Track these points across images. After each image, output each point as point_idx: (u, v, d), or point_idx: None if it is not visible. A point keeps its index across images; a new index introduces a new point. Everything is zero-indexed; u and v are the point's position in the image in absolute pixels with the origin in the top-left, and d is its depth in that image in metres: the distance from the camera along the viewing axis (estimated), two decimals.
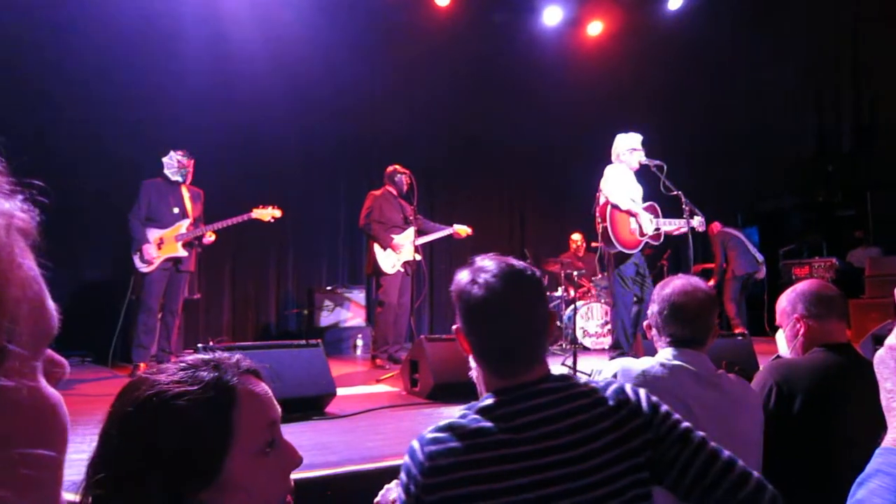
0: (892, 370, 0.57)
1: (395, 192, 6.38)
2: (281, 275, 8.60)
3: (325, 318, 8.05)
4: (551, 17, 9.71)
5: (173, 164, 5.77)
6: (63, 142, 6.78)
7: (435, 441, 1.22)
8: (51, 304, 0.48)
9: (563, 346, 7.94)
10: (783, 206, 11.79)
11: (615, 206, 5.37)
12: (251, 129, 7.93)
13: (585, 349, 7.64)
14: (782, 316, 2.31)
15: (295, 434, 3.25)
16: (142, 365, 5.34)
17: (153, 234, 5.62)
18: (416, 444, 1.24)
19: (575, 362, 5.12)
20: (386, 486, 1.46)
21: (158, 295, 5.63)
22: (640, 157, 5.52)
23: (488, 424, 1.23)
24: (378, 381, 5.19)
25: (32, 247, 0.46)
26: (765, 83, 11.11)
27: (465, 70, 9.36)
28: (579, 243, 9.04)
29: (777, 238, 11.18)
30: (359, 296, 8.33)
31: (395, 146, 8.62)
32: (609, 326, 7.61)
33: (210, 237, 5.88)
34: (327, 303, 8.10)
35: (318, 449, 2.82)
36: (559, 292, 8.22)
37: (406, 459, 1.24)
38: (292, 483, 0.95)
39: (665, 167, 5.36)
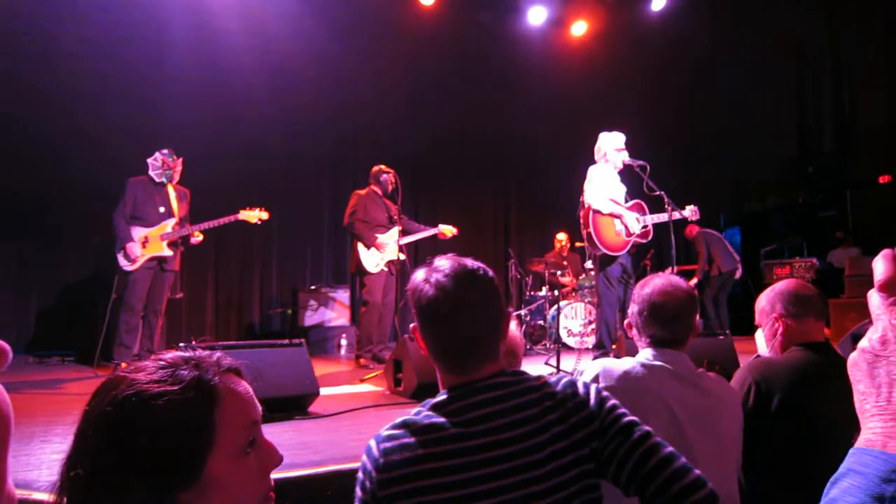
0: (865, 373, 0.58)
1: (379, 192, 6.38)
2: (265, 274, 8.56)
3: (310, 318, 8.03)
4: (536, 16, 9.74)
5: (158, 164, 5.73)
6: (48, 141, 6.73)
7: (389, 438, 1.25)
8: None
9: (547, 345, 7.97)
10: (765, 206, 11.91)
11: (597, 211, 5.41)
12: (236, 128, 7.89)
13: (569, 348, 7.67)
14: (761, 315, 2.34)
15: (277, 433, 3.25)
16: (123, 365, 5.27)
17: (138, 232, 5.58)
18: (372, 442, 1.27)
19: (558, 361, 5.15)
20: None
21: (142, 294, 5.59)
22: (624, 156, 5.56)
23: (440, 420, 1.25)
24: (362, 381, 5.18)
25: None
26: (746, 84, 11.21)
27: (450, 70, 9.37)
28: (564, 243, 9.08)
29: (759, 238, 11.30)
30: (343, 295, 8.31)
31: (379, 146, 8.63)
32: (593, 326, 7.65)
33: (197, 237, 5.85)
34: (311, 302, 8.07)
35: (300, 448, 2.81)
36: (543, 292, 8.25)
37: (363, 457, 1.27)
38: (272, 482, 0.94)
39: (648, 167, 5.40)
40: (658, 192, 5.36)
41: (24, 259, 6.92)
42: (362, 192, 6.34)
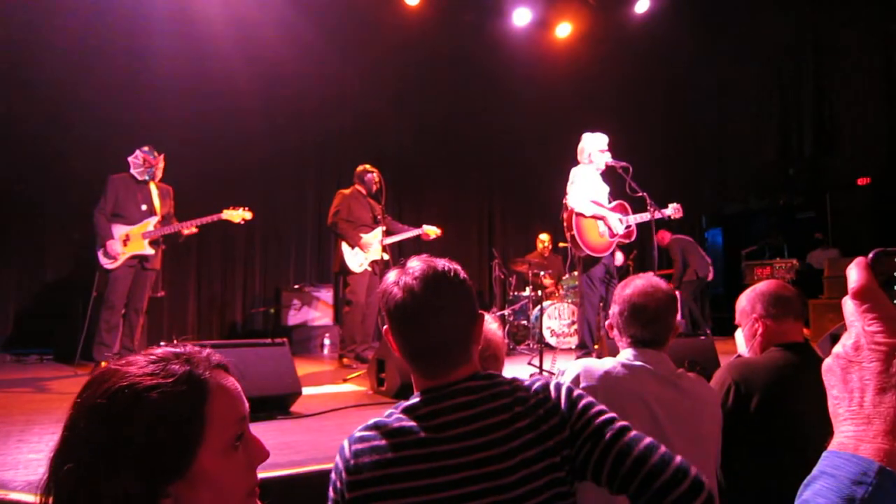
0: (839, 378, 0.59)
1: (363, 192, 6.37)
2: (248, 273, 8.51)
3: (293, 317, 7.99)
4: (520, 18, 9.76)
5: (139, 162, 5.68)
6: (28, 137, 6.65)
7: (361, 440, 1.25)
8: None
9: (531, 345, 8.00)
10: (746, 208, 12.02)
11: (580, 213, 5.44)
12: (220, 126, 7.84)
13: (552, 349, 7.69)
14: (741, 315, 2.36)
15: (259, 433, 3.20)
16: (103, 364, 5.24)
17: (119, 230, 5.53)
18: (345, 443, 1.27)
19: (541, 362, 5.16)
20: None
21: (123, 293, 5.54)
22: (607, 157, 5.59)
23: (410, 424, 1.25)
24: (345, 381, 5.17)
25: None
26: (728, 87, 11.33)
27: (435, 71, 9.38)
28: (546, 244, 9.10)
29: (740, 240, 11.41)
30: (326, 295, 8.28)
31: (364, 145, 8.61)
32: (576, 326, 7.69)
33: (191, 230, 5.77)
34: (295, 302, 8.04)
35: (282, 448, 2.80)
36: (527, 292, 8.28)
37: (336, 457, 1.27)
38: (258, 477, 0.95)
39: (631, 169, 5.43)
40: (640, 193, 5.39)
41: (3, 256, 6.84)
42: (346, 191, 6.33)
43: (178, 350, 0.91)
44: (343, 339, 6.28)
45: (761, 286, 2.33)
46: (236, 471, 0.90)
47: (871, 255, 0.61)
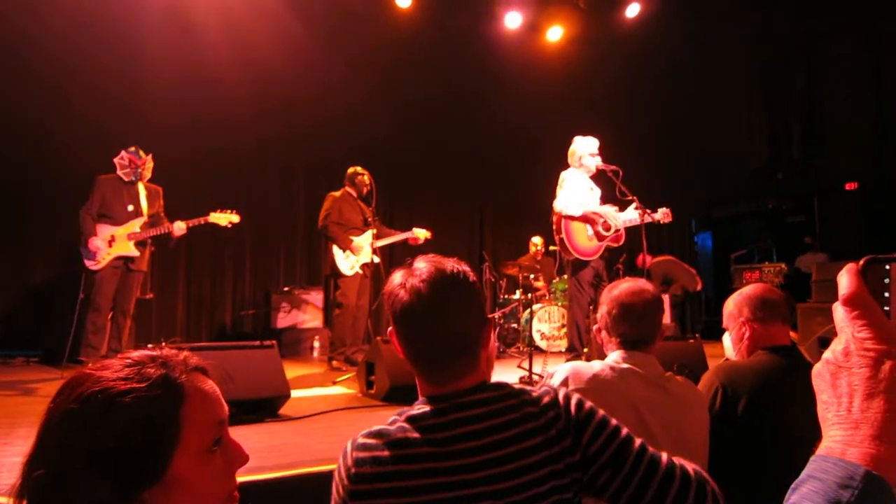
0: (828, 383, 0.60)
1: (354, 194, 6.36)
2: (237, 275, 8.48)
3: (282, 320, 7.96)
4: (512, 21, 9.78)
5: (125, 163, 5.64)
6: (15, 137, 6.60)
7: (363, 447, 1.21)
8: None
9: (521, 348, 8.00)
10: (735, 212, 12.10)
11: (569, 217, 5.45)
12: (210, 127, 7.79)
13: (542, 351, 7.70)
14: (729, 319, 2.37)
15: (247, 436, 3.22)
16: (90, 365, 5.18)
17: (105, 230, 5.49)
18: (348, 447, 1.24)
19: (530, 365, 5.17)
20: None
21: (109, 294, 5.50)
22: (597, 161, 5.61)
23: (415, 436, 1.21)
24: (334, 383, 5.15)
25: None
26: (718, 91, 11.40)
27: (427, 73, 9.37)
28: (539, 247, 9.12)
29: (729, 243, 11.48)
30: (316, 297, 8.26)
31: (355, 148, 8.58)
32: (566, 329, 7.71)
33: (182, 228, 5.71)
34: (284, 304, 8.01)
35: (270, 451, 2.79)
36: (517, 295, 8.29)
37: (339, 459, 1.24)
38: (237, 482, 0.94)
39: (621, 172, 5.45)
40: (630, 197, 5.41)
41: None
42: (337, 193, 6.32)
43: (154, 353, 0.90)
44: (333, 342, 6.27)
45: (748, 290, 2.34)
46: (213, 475, 0.88)
47: (861, 262, 0.61)
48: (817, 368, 0.62)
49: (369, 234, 6.15)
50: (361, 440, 1.23)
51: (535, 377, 5.04)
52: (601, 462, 1.22)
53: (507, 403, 1.26)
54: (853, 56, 10.19)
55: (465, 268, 1.35)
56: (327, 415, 3.83)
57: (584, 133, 5.78)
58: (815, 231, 10.45)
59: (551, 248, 8.07)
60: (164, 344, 5.55)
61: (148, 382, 0.84)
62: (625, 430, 1.27)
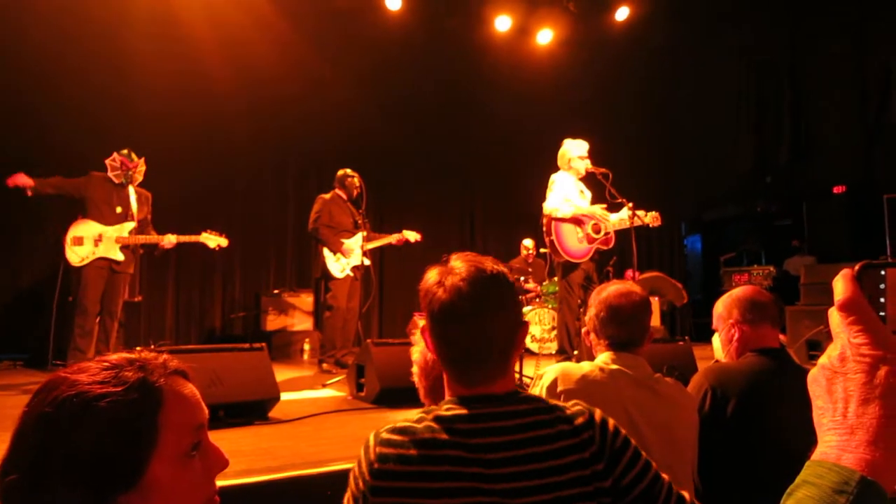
0: (824, 388, 0.60)
1: (344, 197, 6.34)
2: (227, 278, 8.44)
3: (272, 322, 7.93)
4: (502, 24, 9.80)
5: (116, 165, 5.60)
6: (1, 137, 6.54)
7: (388, 443, 1.18)
8: None
9: None
10: (724, 215, 12.16)
11: (559, 219, 5.46)
12: (200, 130, 7.77)
13: (533, 354, 7.71)
14: (718, 320, 2.38)
15: (236, 439, 3.20)
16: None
17: (93, 227, 5.44)
18: (371, 440, 1.21)
19: (521, 367, 5.16)
20: None
21: (95, 296, 5.44)
22: (587, 164, 5.62)
23: (444, 437, 1.19)
24: (324, 386, 5.13)
25: None
26: (707, 95, 11.46)
27: (417, 75, 9.38)
28: (530, 250, 9.13)
29: (719, 246, 11.54)
30: (306, 300, 8.23)
31: (345, 150, 8.57)
32: (556, 331, 7.71)
33: (171, 241, 5.69)
34: (274, 307, 7.98)
35: (259, 454, 2.77)
36: None
37: (361, 451, 1.21)
38: (216, 486, 0.93)
39: (610, 175, 5.46)
40: (620, 200, 5.43)
41: None
42: (327, 196, 6.30)
43: (132, 356, 0.89)
44: (323, 345, 6.25)
45: (737, 292, 2.35)
46: (192, 480, 0.88)
47: (857, 268, 0.61)
48: (813, 374, 0.62)
49: (359, 236, 6.14)
50: (386, 435, 1.20)
51: (525, 380, 5.04)
52: (634, 494, 1.21)
53: (540, 418, 1.24)
54: (840, 60, 10.27)
55: (504, 268, 1.34)
56: (317, 417, 3.81)
57: (574, 136, 5.80)
58: (803, 234, 10.52)
59: (542, 250, 8.08)
60: (152, 346, 5.53)
61: (125, 386, 0.83)
62: (654, 464, 1.27)
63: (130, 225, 5.60)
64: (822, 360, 0.61)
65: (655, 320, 8.05)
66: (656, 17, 9.89)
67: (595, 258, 5.66)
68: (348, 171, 6.36)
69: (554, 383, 1.87)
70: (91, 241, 5.41)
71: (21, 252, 6.93)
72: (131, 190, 5.68)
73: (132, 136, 6.10)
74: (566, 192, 5.55)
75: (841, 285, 0.60)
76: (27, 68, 6.66)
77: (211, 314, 8.31)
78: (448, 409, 1.24)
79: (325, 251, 6.07)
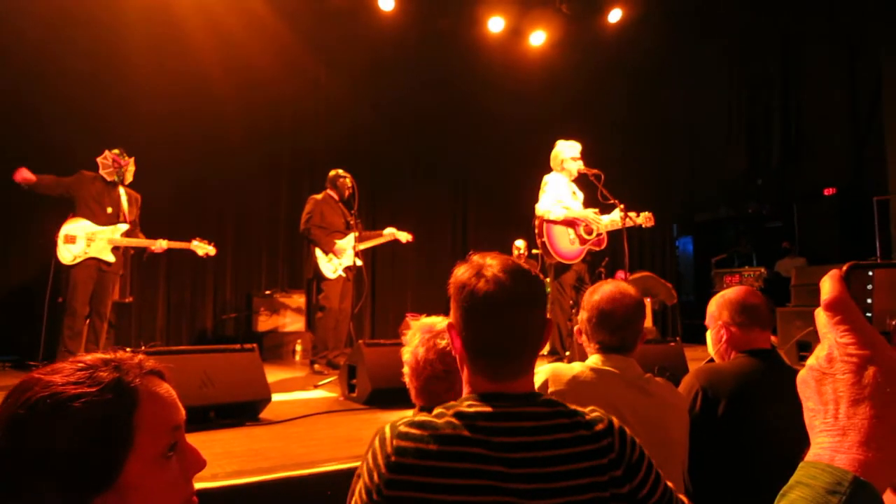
0: (814, 390, 0.60)
1: (336, 197, 6.33)
2: (218, 278, 8.40)
3: (264, 323, 7.91)
4: (495, 25, 9.81)
5: (108, 163, 5.57)
6: None
7: (407, 436, 1.17)
8: None
9: None
10: (716, 217, 12.22)
11: (551, 220, 5.48)
12: (192, 131, 7.73)
13: None
14: (710, 318, 2.39)
15: (228, 440, 3.19)
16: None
17: (86, 227, 5.41)
18: (387, 432, 1.20)
19: None
20: None
21: (84, 297, 5.41)
22: (579, 165, 5.64)
23: (466, 434, 1.18)
24: (315, 387, 5.12)
25: None
26: (699, 98, 11.50)
27: (409, 76, 9.37)
28: (521, 251, 9.13)
29: (710, 248, 11.58)
30: (298, 301, 8.21)
31: (337, 150, 8.56)
32: None
33: (162, 246, 5.69)
34: (266, 308, 7.96)
35: (250, 455, 2.76)
36: None
37: (375, 444, 1.20)
38: (194, 487, 0.93)
39: (602, 176, 5.48)
40: (612, 201, 5.45)
41: None
42: (318, 196, 6.29)
43: (107, 357, 0.88)
44: (315, 345, 6.23)
45: (730, 293, 2.35)
46: (169, 481, 0.87)
47: (844, 268, 0.61)
48: (802, 376, 0.62)
49: (351, 237, 6.13)
50: (404, 429, 1.19)
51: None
52: None
53: (560, 421, 1.25)
54: (831, 63, 10.33)
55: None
56: (308, 418, 3.80)
57: (567, 137, 5.81)
58: (793, 236, 10.57)
59: (534, 251, 8.10)
60: (142, 347, 5.50)
61: (99, 386, 0.82)
62: (661, 472, 1.29)
63: (123, 227, 5.58)
64: (811, 361, 0.61)
65: (647, 321, 8.06)
66: (648, 20, 9.92)
67: (587, 259, 5.68)
68: (340, 171, 6.36)
69: (545, 384, 1.87)
70: (84, 240, 5.39)
71: (10, 253, 6.88)
72: (122, 191, 5.66)
73: (126, 134, 6.07)
74: (559, 194, 5.56)
75: (827, 285, 0.60)
76: (21, 67, 6.62)
77: (202, 315, 8.27)
78: (470, 405, 1.24)
79: (318, 252, 6.06)
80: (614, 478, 1.21)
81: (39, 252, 6.44)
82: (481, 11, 9.62)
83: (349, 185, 6.23)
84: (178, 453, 0.90)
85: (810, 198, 10.47)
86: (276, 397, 3.97)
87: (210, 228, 6.00)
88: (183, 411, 0.93)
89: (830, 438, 0.57)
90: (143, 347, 5.83)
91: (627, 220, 5.45)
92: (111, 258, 5.50)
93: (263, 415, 3.78)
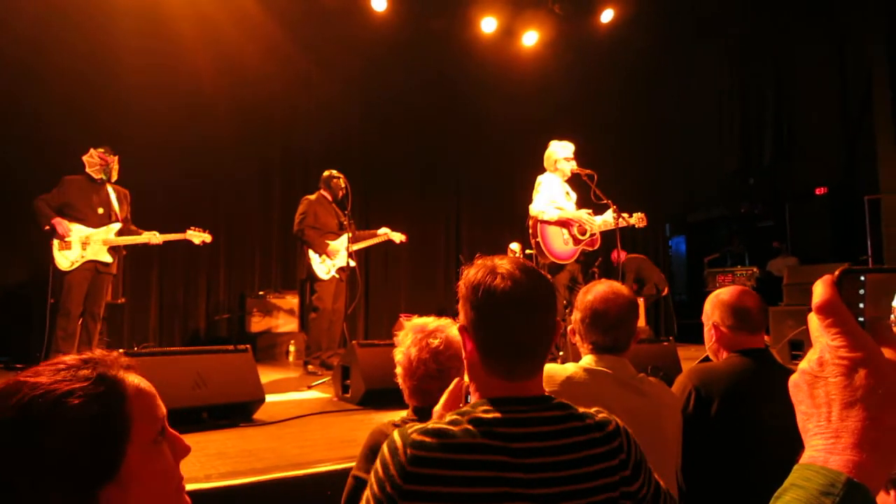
0: (806, 393, 0.60)
1: (329, 197, 6.33)
2: (211, 279, 8.38)
3: (257, 324, 7.90)
4: (487, 26, 9.82)
5: (95, 161, 5.54)
6: None
7: (422, 445, 1.15)
8: None
9: None
10: (708, 217, 12.26)
11: (545, 221, 5.49)
12: (183, 129, 7.70)
13: None
14: (705, 316, 2.41)
15: (221, 441, 3.18)
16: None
17: (79, 230, 5.39)
18: (397, 440, 1.17)
19: None
20: None
21: (79, 299, 5.39)
22: (572, 165, 5.65)
23: (486, 441, 1.17)
24: (309, 388, 5.11)
25: None
26: (691, 98, 11.54)
27: (403, 76, 9.37)
28: (517, 253, 9.13)
29: (703, 247, 11.62)
30: (292, 301, 8.20)
31: (330, 150, 8.56)
32: None
33: (157, 240, 5.68)
34: (259, 308, 7.94)
35: (244, 456, 2.76)
36: None
37: (384, 453, 1.17)
38: (182, 474, 0.95)
39: (596, 176, 5.49)
40: (605, 201, 5.46)
41: None
42: (312, 197, 6.28)
43: (84, 357, 0.88)
44: (309, 346, 6.23)
45: (724, 294, 2.35)
46: (164, 467, 0.89)
47: (837, 273, 0.61)
48: (794, 380, 0.62)
49: (345, 237, 6.12)
50: (418, 437, 1.16)
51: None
52: (648, 501, 1.28)
53: (574, 424, 1.25)
54: (823, 63, 10.38)
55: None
56: (302, 419, 3.80)
57: (560, 137, 5.82)
58: (785, 235, 10.62)
59: (528, 252, 8.10)
60: (135, 348, 5.48)
61: (89, 381, 0.83)
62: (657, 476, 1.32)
63: (117, 226, 5.56)
64: (803, 364, 0.62)
65: (640, 321, 8.08)
66: (641, 20, 9.94)
67: (580, 259, 5.69)
68: (334, 172, 6.35)
69: None
70: (79, 245, 5.37)
71: (5, 253, 6.84)
72: (110, 189, 5.63)
73: (117, 133, 6.05)
74: (552, 194, 5.57)
75: (819, 289, 0.60)
76: (12, 65, 6.58)
77: (195, 316, 8.24)
78: (486, 411, 1.22)
79: (311, 252, 6.05)
80: (624, 478, 1.23)
81: (37, 255, 6.42)
82: (474, 12, 9.62)
83: (343, 185, 6.23)
84: (167, 440, 0.92)
85: (802, 197, 10.52)
86: (269, 398, 3.97)
87: (201, 228, 5.98)
88: (162, 404, 0.95)
89: (824, 441, 0.57)
90: (136, 348, 5.82)
91: (620, 220, 5.47)
92: (108, 258, 5.49)
93: (257, 416, 3.78)
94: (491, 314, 1.28)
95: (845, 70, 10.11)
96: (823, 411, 0.58)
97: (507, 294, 1.26)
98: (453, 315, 1.54)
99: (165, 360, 3.52)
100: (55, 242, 5.33)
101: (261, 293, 8.14)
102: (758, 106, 11.44)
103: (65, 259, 5.33)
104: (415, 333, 1.91)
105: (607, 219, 5.54)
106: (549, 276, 5.34)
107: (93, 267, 5.45)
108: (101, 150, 5.59)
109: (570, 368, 1.95)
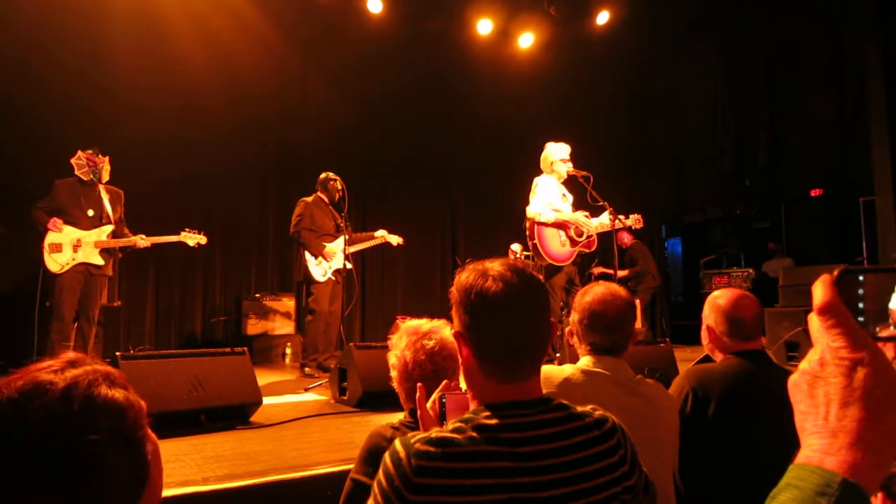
0: (805, 393, 0.61)
1: (326, 199, 6.32)
2: (208, 282, 8.36)
3: (254, 327, 7.88)
4: (483, 27, 9.83)
5: (83, 162, 5.51)
6: None
7: (427, 455, 1.13)
8: None
9: None
10: (704, 218, 12.28)
11: (542, 223, 5.50)
12: (179, 131, 7.68)
13: None
14: (703, 316, 2.41)
15: (218, 443, 3.18)
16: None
17: (70, 233, 5.36)
18: (400, 451, 1.15)
19: None
20: None
21: (72, 302, 5.36)
22: (568, 167, 5.66)
23: (492, 448, 1.16)
24: (306, 390, 5.11)
25: None
26: (687, 100, 11.57)
27: (398, 78, 9.37)
28: (518, 254, 9.14)
29: (699, 249, 11.64)
30: (288, 304, 8.19)
31: (326, 152, 8.54)
32: None
33: (145, 242, 5.66)
34: (255, 311, 7.93)
35: (241, 459, 2.75)
36: None
37: (387, 463, 1.15)
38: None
39: (592, 178, 5.51)
40: (601, 203, 5.48)
41: None
42: (309, 199, 6.28)
43: (67, 358, 0.84)
44: (305, 349, 6.22)
45: (722, 299, 2.33)
46: (155, 451, 0.87)
47: (836, 273, 0.61)
48: (794, 380, 0.63)
49: (341, 239, 6.12)
50: (421, 447, 1.14)
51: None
52: (640, 491, 1.31)
53: (575, 424, 1.26)
54: (817, 65, 10.41)
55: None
56: (299, 422, 3.79)
57: (556, 139, 5.83)
58: (781, 236, 10.64)
59: (525, 254, 8.11)
60: (131, 350, 5.45)
61: (99, 374, 0.81)
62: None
63: (108, 228, 5.53)
64: (803, 365, 0.62)
65: (637, 322, 8.10)
66: (636, 22, 9.97)
67: (577, 261, 5.70)
68: (330, 174, 6.35)
69: None
70: (70, 247, 5.34)
71: (2, 255, 6.81)
72: (101, 190, 5.61)
73: (111, 134, 6.02)
74: (549, 196, 5.58)
75: (819, 290, 0.60)
76: (6, 64, 6.56)
77: (191, 318, 8.22)
78: (488, 417, 1.21)
79: (307, 255, 6.05)
80: (624, 473, 1.26)
81: (28, 256, 6.39)
82: (470, 14, 9.64)
83: (339, 187, 6.23)
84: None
85: (797, 199, 10.55)
86: (266, 400, 3.97)
87: (196, 235, 5.97)
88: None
89: (820, 440, 0.58)
90: (132, 351, 5.80)
91: (617, 222, 5.48)
92: (100, 261, 5.46)
93: (254, 418, 3.77)
94: (485, 316, 1.28)
95: (840, 72, 10.14)
96: (821, 410, 0.59)
97: (499, 295, 1.26)
98: (449, 318, 1.54)
99: (162, 363, 3.51)
100: (45, 245, 5.31)
101: (257, 296, 8.12)
102: (753, 108, 11.47)
103: (54, 262, 5.30)
104: (409, 336, 1.90)
105: (604, 221, 5.56)
106: (545, 279, 5.37)
107: (84, 269, 5.42)
108: (90, 151, 5.55)
109: (567, 370, 1.95)
